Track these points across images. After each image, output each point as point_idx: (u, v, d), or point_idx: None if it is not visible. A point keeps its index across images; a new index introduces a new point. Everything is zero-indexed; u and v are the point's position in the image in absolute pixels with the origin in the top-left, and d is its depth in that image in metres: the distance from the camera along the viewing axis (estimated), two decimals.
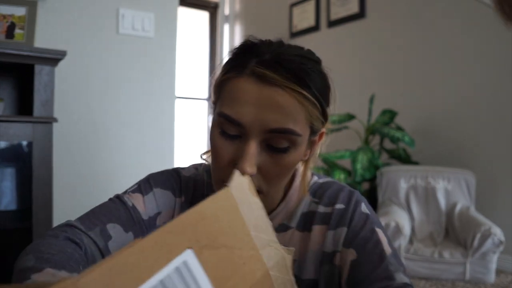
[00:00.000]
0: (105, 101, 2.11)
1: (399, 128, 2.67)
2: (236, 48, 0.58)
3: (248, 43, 0.57)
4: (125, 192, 0.64)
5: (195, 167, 0.72)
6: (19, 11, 1.58)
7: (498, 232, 2.01)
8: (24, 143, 1.74)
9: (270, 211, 0.63)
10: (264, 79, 0.51)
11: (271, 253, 0.36)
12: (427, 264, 2.16)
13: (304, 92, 0.52)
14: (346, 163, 2.82)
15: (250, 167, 0.51)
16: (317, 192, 0.66)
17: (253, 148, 0.52)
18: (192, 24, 4.41)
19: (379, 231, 0.59)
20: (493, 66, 2.44)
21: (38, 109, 1.46)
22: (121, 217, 0.59)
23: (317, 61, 0.58)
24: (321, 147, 0.65)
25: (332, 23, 3.40)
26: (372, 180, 2.71)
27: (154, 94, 2.24)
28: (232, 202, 0.37)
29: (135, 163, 2.19)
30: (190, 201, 0.67)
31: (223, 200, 0.36)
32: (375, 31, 3.09)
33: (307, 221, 0.64)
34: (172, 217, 0.65)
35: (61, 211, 1.93)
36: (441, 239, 2.32)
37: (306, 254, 0.62)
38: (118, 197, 0.63)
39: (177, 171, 0.69)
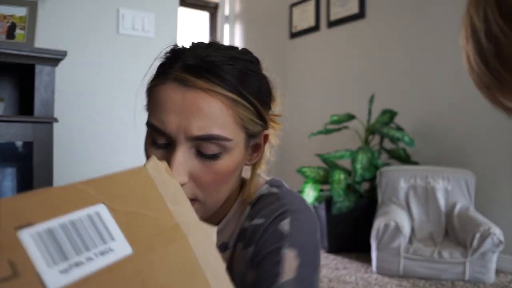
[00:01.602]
0: (105, 101, 2.12)
1: (399, 128, 2.67)
2: (164, 54, 0.56)
3: (175, 48, 0.55)
4: None
5: None
6: (20, 11, 1.59)
7: (497, 232, 2.01)
8: (25, 143, 1.74)
9: (213, 223, 0.59)
10: (187, 84, 0.49)
11: (190, 223, 0.34)
12: (427, 264, 2.17)
13: (229, 94, 0.50)
14: (346, 163, 2.82)
15: (178, 176, 0.49)
16: (256, 204, 0.60)
17: (179, 157, 0.50)
18: (192, 24, 4.42)
19: (287, 253, 0.52)
20: None
21: (38, 109, 1.47)
22: None
23: (252, 61, 0.56)
24: (270, 152, 0.62)
25: (332, 23, 3.40)
26: (372, 180, 2.72)
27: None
28: (148, 177, 0.35)
29: (135, 163, 2.19)
30: None
31: (138, 174, 0.35)
32: (375, 31, 3.09)
33: (243, 237, 0.58)
34: None
35: None
36: (440, 239, 2.33)
37: (233, 275, 0.56)
38: None
39: None
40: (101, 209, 0.30)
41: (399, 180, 2.51)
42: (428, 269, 2.17)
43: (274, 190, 0.61)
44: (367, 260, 2.46)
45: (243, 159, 0.56)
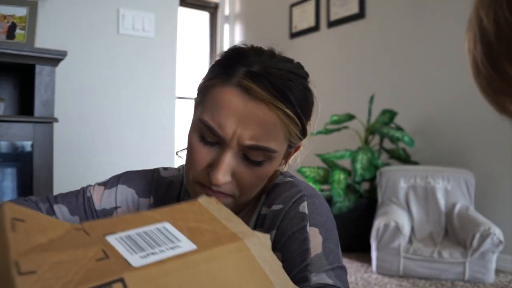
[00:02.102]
0: (105, 101, 2.12)
1: (398, 128, 2.67)
2: (225, 52, 0.57)
3: (238, 49, 0.57)
4: (95, 183, 0.68)
5: (179, 168, 0.71)
6: (20, 11, 1.59)
7: (497, 232, 2.01)
8: (25, 143, 1.74)
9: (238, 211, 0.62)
10: (250, 92, 0.51)
11: (245, 232, 0.38)
12: (427, 264, 2.17)
13: (287, 111, 0.52)
14: (346, 163, 2.82)
15: (223, 176, 0.52)
16: (270, 192, 0.62)
17: (228, 159, 0.52)
18: (192, 24, 4.42)
19: (312, 230, 0.55)
20: None
21: (38, 109, 1.47)
22: (72, 202, 0.64)
23: (304, 77, 0.58)
24: (297, 158, 0.66)
25: (332, 23, 3.40)
26: (372, 180, 2.72)
27: (155, 94, 2.25)
28: (201, 205, 0.41)
29: (135, 163, 2.20)
30: (161, 201, 0.67)
31: (193, 205, 0.41)
32: (374, 31, 3.09)
33: (254, 226, 0.62)
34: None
35: None
36: (440, 239, 2.33)
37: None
38: (84, 187, 0.67)
39: (155, 171, 0.70)
40: (167, 224, 0.36)
41: (399, 180, 2.51)
42: (428, 269, 2.17)
43: (288, 179, 0.63)
44: (367, 260, 2.46)
45: (279, 166, 0.61)
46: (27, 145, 1.73)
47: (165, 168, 0.71)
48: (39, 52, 1.45)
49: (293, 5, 3.76)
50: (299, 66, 0.59)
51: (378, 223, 2.20)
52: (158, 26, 2.26)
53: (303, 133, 0.58)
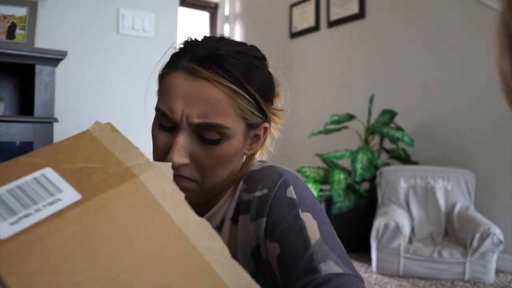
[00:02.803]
0: (105, 101, 2.12)
1: (398, 128, 2.67)
2: (178, 45, 0.60)
3: (188, 40, 0.60)
4: None
5: None
6: (20, 11, 1.59)
7: (497, 232, 2.01)
8: (25, 143, 1.74)
9: (210, 206, 0.62)
10: (194, 73, 0.53)
11: (142, 165, 0.35)
12: (427, 264, 2.17)
13: (232, 86, 0.53)
14: (346, 163, 2.82)
15: (179, 157, 0.53)
16: (248, 178, 0.61)
17: (182, 140, 0.54)
18: (192, 24, 4.42)
19: (305, 215, 0.54)
20: (493, 66, 2.44)
21: (38, 109, 1.47)
22: None
23: (258, 58, 0.59)
24: (271, 143, 0.67)
25: (332, 24, 3.40)
26: (372, 180, 2.72)
27: (155, 94, 2.25)
28: (92, 137, 0.36)
29: None
30: None
31: (82, 137, 0.36)
32: (375, 31, 3.09)
33: (236, 212, 0.61)
34: None
35: None
36: (440, 239, 2.33)
37: (236, 248, 0.59)
38: None
39: None
40: (47, 171, 0.31)
41: (399, 180, 2.51)
42: (428, 269, 2.17)
43: (266, 164, 0.63)
44: (367, 260, 2.46)
45: (242, 148, 0.60)
46: (27, 145, 1.73)
47: None
48: (39, 52, 1.45)
49: (293, 5, 3.76)
50: (251, 48, 0.60)
51: (378, 223, 2.20)
52: (158, 26, 2.26)
53: (262, 113, 0.58)
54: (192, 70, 0.54)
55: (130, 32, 2.17)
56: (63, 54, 1.50)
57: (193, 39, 0.60)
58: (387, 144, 2.81)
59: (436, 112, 2.73)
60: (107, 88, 2.12)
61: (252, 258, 0.58)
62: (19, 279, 0.24)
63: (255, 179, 0.60)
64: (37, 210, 0.28)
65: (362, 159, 2.55)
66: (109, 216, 0.29)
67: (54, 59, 1.49)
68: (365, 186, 2.85)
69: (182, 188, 0.51)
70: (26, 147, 1.73)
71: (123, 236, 0.29)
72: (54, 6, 1.94)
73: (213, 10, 4.52)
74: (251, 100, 0.56)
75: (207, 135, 0.54)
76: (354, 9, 3.22)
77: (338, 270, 0.49)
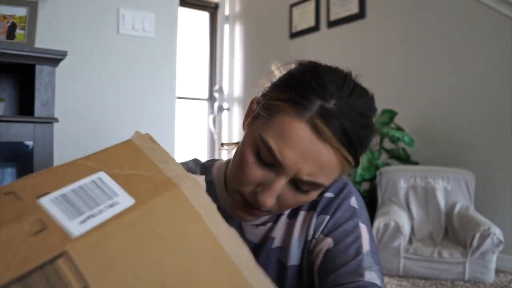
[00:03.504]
0: (105, 101, 2.12)
1: (399, 128, 2.67)
2: (300, 71, 0.56)
3: (314, 70, 0.56)
4: None
5: (185, 164, 0.71)
6: (20, 11, 1.59)
7: (497, 232, 2.01)
8: (25, 143, 1.74)
9: None
10: (319, 133, 0.50)
11: (180, 176, 0.38)
12: (427, 264, 2.17)
13: (349, 157, 0.52)
14: None
15: (271, 202, 0.52)
16: None
17: (280, 186, 0.52)
18: (192, 24, 4.42)
19: (362, 227, 0.60)
20: (493, 66, 2.45)
21: (39, 109, 1.47)
22: None
23: (374, 115, 0.57)
24: None
25: (332, 23, 3.40)
26: (372, 180, 2.72)
27: (155, 94, 2.25)
28: (135, 146, 0.39)
29: None
30: None
31: (126, 146, 0.39)
32: (375, 31, 3.09)
33: (294, 210, 0.64)
34: None
35: None
36: (440, 239, 2.33)
37: (290, 240, 0.62)
38: None
39: None
40: (102, 175, 0.35)
41: (399, 180, 2.51)
42: (428, 269, 2.17)
43: None
44: None
45: None
46: (27, 145, 1.73)
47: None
48: (39, 52, 1.45)
49: (293, 5, 3.76)
50: (371, 102, 0.59)
51: (378, 223, 2.20)
52: (158, 26, 2.26)
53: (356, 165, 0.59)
54: (319, 130, 0.50)
55: (130, 32, 2.17)
56: (63, 54, 1.50)
57: (319, 70, 0.57)
58: (387, 144, 2.81)
59: (436, 112, 2.73)
60: (107, 88, 2.12)
61: (303, 248, 0.62)
62: (94, 273, 0.28)
63: None
64: (100, 211, 0.31)
65: (362, 159, 2.55)
66: (159, 220, 0.33)
67: (54, 59, 1.49)
68: (365, 186, 2.85)
69: (254, 216, 0.57)
70: (26, 147, 1.73)
71: (171, 240, 0.32)
72: (54, 6, 1.95)
73: (213, 10, 4.52)
74: (354, 165, 0.56)
75: (303, 187, 0.53)
76: (354, 9, 3.22)
77: (378, 282, 0.54)
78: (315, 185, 0.53)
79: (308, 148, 0.50)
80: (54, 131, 1.51)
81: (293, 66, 0.60)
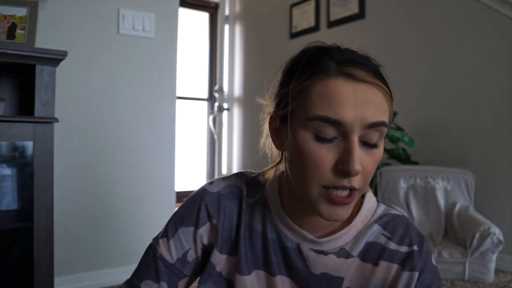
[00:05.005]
0: (106, 101, 2.12)
1: (398, 128, 2.67)
2: (303, 54, 0.58)
3: (314, 47, 0.58)
4: (158, 238, 0.67)
5: (229, 180, 0.69)
6: (20, 11, 1.59)
7: (497, 232, 2.01)
8: (25, 143, 1.74)
9: (339, 226, 0.62)
10: (354, 77, 0.52)
11: None
12: None
13: (386, 88, 0.54)
14: None
15: (358, 165, 0.51)
16: (388, 225, 0.63)
17: (357, 147, 0.52)
18: (193, 24, 4.42)
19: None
20: (493, 66, 2.45)
21: (39, 109, 1.47)
22: (151, 271, 0.65)
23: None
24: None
25: (332, 24, 3.40)
26: (372, 180, 2.71)
27: (155, 95, 2.25)
28: None
29: (136, 163, 2.20)
30: (218, 216, 0.65)
31: None
32: (375, 31, 3.09)
33: (372, 253, 0.61)
34: (198, 249, 0.66)
35: (62, 211, 1.93)
36: (440, 238, 2.33)
37: (367, 287, 0.60)
38: (149, 249, 0.67)
39: (202, 193, 0.67)
40: None
41: (398, 180, 2.51)
42: None
43: (396, 212, 0.65)
44: None
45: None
46: (27, 145, 1.73)
47: (211, 184, 0.68)
48: (39, 52, 1.45)
49: (293, 5, 3.76)
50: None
51: None
52: (158, 27, 2.26)
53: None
54: (352, 75, 0.52)
55: (130, 32, 2.17)
56: (63, 54, 1.50)
57: (318, 45, 0.59)
58: (387, 144, 2.81)
59: (436, 112, 2.73)
60: (107, 88, 2.12)
61: None
62: None
63: (400, 230, 0.62)
64: None
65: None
66: None
67: (54, 59, 1.49)
68: None
69: (343, 205, 0.55)
70: (26, 147, 1.73)
71: None
72: (54, 6, 1.95)
73: (213, 10, 4.53)
74: (391, 99, 0.56)
75: (371, 138, 0.53)
76: (354, 9, 3.22)
77: None
78: (382, 125, 0.53)
79: (353, 94, 0.51)
80: (55, 131, 1.51)
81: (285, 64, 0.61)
